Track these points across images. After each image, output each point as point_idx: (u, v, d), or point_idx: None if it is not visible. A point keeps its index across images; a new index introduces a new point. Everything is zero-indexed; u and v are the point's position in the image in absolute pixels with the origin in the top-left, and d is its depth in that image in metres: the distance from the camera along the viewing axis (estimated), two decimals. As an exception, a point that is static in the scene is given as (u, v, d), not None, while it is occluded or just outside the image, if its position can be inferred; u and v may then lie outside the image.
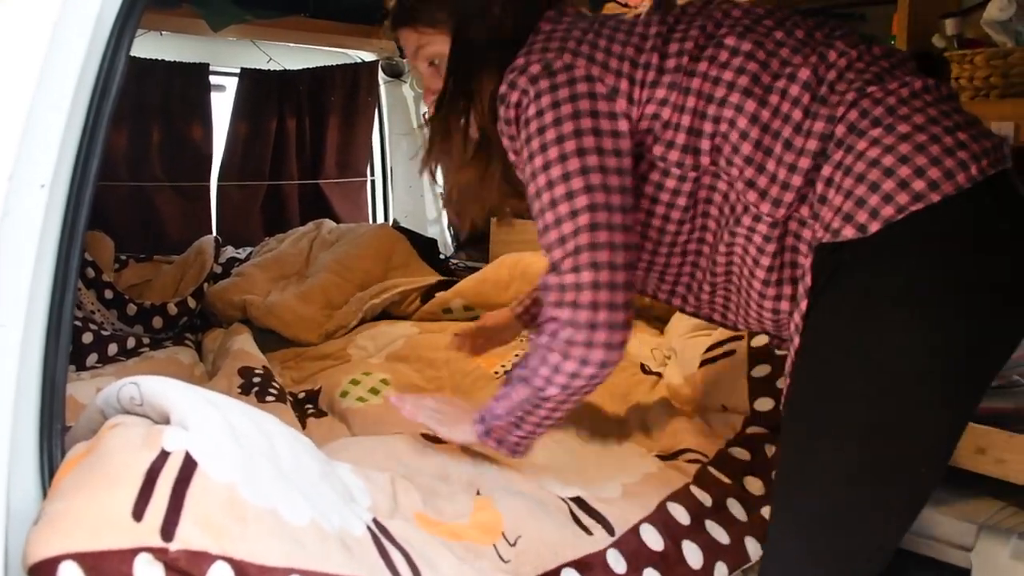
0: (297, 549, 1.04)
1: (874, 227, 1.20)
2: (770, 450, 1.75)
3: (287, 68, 3.60)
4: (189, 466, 1.00)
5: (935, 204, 1.19)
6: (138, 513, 0.94)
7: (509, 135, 1.41)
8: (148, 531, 0.94)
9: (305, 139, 3.77)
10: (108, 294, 2.80)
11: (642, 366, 2.28)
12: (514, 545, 1.35)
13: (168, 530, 0.95)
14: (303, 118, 3.73)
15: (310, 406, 2.27)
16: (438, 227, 4.01)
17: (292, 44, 3.49)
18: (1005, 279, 1.23)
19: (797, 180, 1.28)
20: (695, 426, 1.89)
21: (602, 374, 1.37)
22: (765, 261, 1.34)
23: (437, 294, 2.93)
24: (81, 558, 0.90)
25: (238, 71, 3.53)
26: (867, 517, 1.28)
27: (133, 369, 2.45)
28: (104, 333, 2.61)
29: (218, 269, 3.17)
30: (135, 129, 3.28)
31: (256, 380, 2.27)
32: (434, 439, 1.63)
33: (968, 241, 1.22)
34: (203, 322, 3.00)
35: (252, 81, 3.55)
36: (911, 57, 1.36)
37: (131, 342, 2.65)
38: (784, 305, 1.37)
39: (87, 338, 2.52)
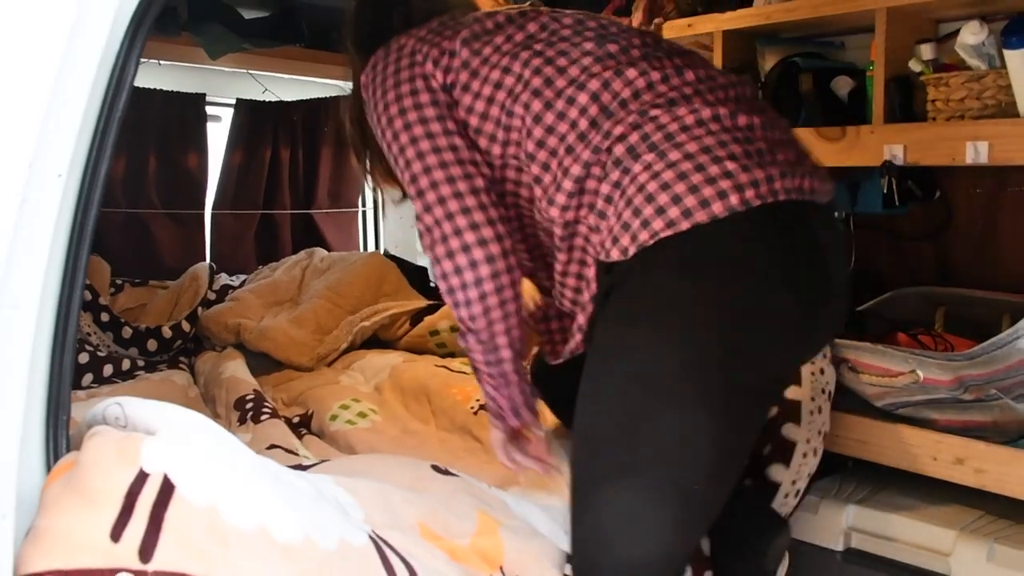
0: (285, 568, 1.05)
1: (632, 251, 1.23)
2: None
3: (282, 99, 3.66)
4: (167, 490, 1.00)
5: (683, 232, 1.19)
6: (116, 535, 0.96)
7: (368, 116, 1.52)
8: (126, 553, 0.96)
9: (298, 169, 3.81)
10: (104, 317, 2.83)
11: None
12: None
13: (147, 552, 0.96)
14: (297, 149, 3.78)
15: (303, 430, 2.28)
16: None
17: (287, 75, 3.55)
18: (751, 305, 1.22)
19: (568, 184, 1.31)
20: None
21: (477, 274, 1.36)
22: (562, 257, 1.38)
23: (426, 318, 2.98)
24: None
25: (234, 102, 3.59)
26: (629, 536, 1.25)
27: (128, 390, 2.45)
28: (100, 354, 2.63)
29: (212, 295, 3.19)
30: (132, 156, 3.32)
31: (249, 407, 2.28)
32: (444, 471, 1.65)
33: (714, 268, 1.22)
34: (197, 346, 3.02)
35: (247, 111, 3.61)
36: (732, 84, 1.37)
37: (126, 364, 2.67)
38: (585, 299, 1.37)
39: (83, 358, 2.54)
